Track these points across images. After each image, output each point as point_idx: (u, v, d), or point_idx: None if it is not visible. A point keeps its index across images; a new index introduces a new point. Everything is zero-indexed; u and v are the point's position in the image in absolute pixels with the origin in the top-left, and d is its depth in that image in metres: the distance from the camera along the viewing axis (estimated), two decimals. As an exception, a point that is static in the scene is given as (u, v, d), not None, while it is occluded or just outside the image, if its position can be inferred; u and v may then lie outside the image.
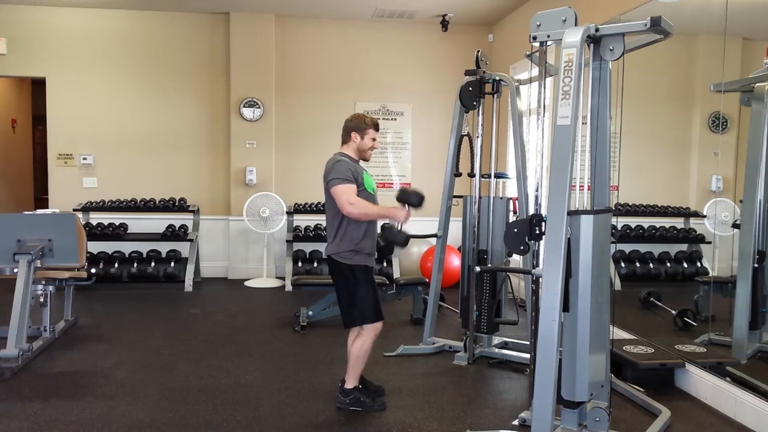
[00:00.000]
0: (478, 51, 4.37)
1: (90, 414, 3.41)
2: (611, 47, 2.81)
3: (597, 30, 2.77)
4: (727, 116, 4.16)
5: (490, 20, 7.55)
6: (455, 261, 6.24)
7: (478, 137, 4.40)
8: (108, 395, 3.70)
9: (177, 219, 7.31)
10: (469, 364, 4.35)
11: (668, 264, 5.23)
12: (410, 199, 3.53)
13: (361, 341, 3.49)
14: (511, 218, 4.47)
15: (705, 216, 4.66)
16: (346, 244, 3.45)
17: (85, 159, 7.37)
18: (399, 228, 3.55)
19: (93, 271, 5.22)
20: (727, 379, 3.65)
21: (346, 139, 3.64)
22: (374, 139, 3.62)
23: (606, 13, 4.75)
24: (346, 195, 3.38)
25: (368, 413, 3.48)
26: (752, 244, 3.93)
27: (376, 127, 3.63)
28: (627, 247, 5.32)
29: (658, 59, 4.70)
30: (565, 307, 2.72)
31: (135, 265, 6.99)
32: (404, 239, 3.57)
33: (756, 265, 3.91)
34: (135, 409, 3.48)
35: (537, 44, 2.91)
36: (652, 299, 4.97)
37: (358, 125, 3.60)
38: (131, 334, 5.03)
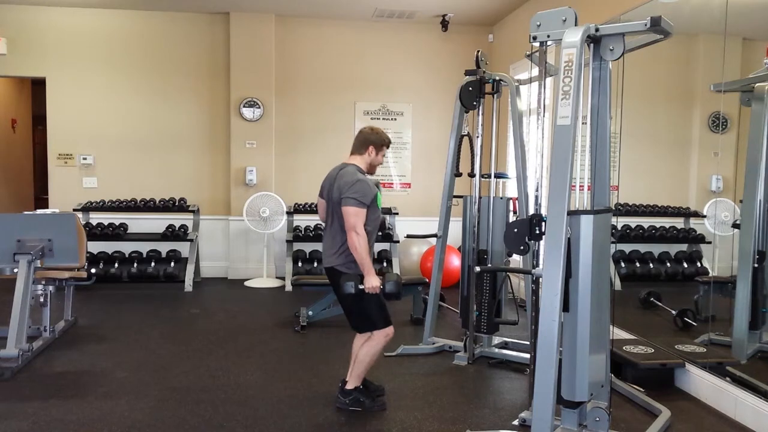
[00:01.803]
0: (478, 51, 4.37)
1: (90, 414, 3.41)
2: (611, 47, 2.81)
3: (597, 30, 2.77)
4: (727, 116, 4.16)
5: (490, 20, 7.55)
6: (455, 261, 6.24)
7: (478, 137, 4.40)
8: (108, 395, 3.70)
9: (177, 219, 7.30)
10: (469, 364, 4.35)
11: (668, 264, 5.23)
12: (389, 287, 3.43)
13: (369, 346, 3.47)
14: (511, 218, 4.47)
15: (705, 216, 4.66)
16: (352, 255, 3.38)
17: (85, 159, 7.37)
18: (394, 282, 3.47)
19: (93, 271, 5.21)
20: (727, 379, 3.65)
21: (360, 151, 3.52)
22: (384, 156, 3.63)
23: (606, 13, 4.75)
24: (357, 219, 3.31)
25: (368, 413, 3.48)
26: (752, 244, 3.93)
27: (389, 146, 3.63)
28: (627, 247, 5.32)
29: (658, 59, 4.70)
30: (565, 307, 2.72)
31: (135, 265, 6.99)
32: (397, 293, 3.50)
33: (756, 265, 3.91)
34: (135, 409, 3.48)
35: (537, 44, 2.91)
36: (652, 299, 4.97)
37: (377, 141, 3.53)
38: (131, 334, 5.03)
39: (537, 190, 3.09)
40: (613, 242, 3.17)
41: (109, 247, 7.16)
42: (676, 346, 4.10)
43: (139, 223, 7.30)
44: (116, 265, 6.99)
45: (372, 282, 3.36)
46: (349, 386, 3.53)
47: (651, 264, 5.28)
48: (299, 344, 4.89)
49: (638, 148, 4.89)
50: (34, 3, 7.11)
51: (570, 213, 2.66)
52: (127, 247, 7.21)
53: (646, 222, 5.25)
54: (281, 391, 3.81)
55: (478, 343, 4.51)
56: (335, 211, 3.42)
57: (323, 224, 3.62)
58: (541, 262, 2.85)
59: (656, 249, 5.29)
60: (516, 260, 5.23)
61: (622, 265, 5.25)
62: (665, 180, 5.16)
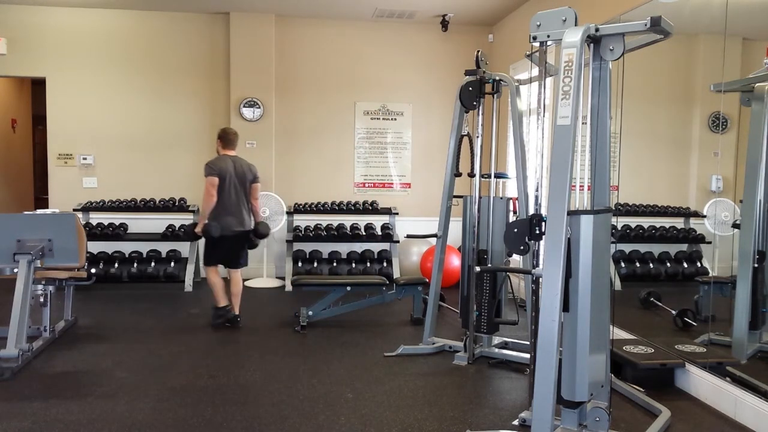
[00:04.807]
0: (478, 51, 4.37)
1: (90, 414, 3.41)
2: (611, 47, 2.82)
3: (597, 30, 2.77)
4: (727, 116, 4.16)
5: (490, 20, 7.56)
6: (455, 261, 6.24)
7: (478, 137, 4.40)
8: (108, 395, 3.70)
9: (177, 219, 7.30)
10: (469, 364, 4.35)
11: (668, 264, 5.23)
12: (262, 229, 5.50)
13: (238, 279, 5.39)
14: (511, 218, 4.47)
15: (705, 216, 4.66)
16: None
17: (85, 159, 7.38)
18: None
19: (93, 271, 5.22)
20: (727, 379, 3.65)
21: (236, 146, 5.34)
22: None
23: (606, 13, 4.75)
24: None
25: (368, 411, 3.49)
26: (752, 244, 3.93)
27: None
28: (627, 247, 5.32)
29: (658, 59, 4.70)
30: (565, 307, 2.72)
31: (135, 265, 6.99)
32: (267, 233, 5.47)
33: (756, 265, 3.91)
34: (135, 409, 3.48)
35: (537, 44, 2.91)
36: (652, 299, 4.97)
37: None
38: (131, 334, 5.03)
39: (537, 190, 3.09)
40: (613, 242, 3.17)
41: (109, 247, 7.16)
42: (676, 346, 4.10)
43: (139, 223, 7.30)
44: (116, 265, 6.99)
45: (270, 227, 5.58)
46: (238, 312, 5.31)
47: (651, 264, 5.28)
48: (299, 344, 4.89)
49: (638, 148, 4.90)
50: (34, 3, 7.12)
51: (570, 213, 2.67)
52: (127, 247, 7.20)
53: (646, 222, 5.26)
54: (281, 391, 3.81)
55: (478, 343, 4.51)
56: (244, 187, 5.22)
57: (217, 196, 5.10)
58: (541, 262, 2.85)
59: (656, 249, 5.29)
60: (516, 260, 5.23)
61: (622, 265, 5.25)
62: (665, 180, 5.16)
